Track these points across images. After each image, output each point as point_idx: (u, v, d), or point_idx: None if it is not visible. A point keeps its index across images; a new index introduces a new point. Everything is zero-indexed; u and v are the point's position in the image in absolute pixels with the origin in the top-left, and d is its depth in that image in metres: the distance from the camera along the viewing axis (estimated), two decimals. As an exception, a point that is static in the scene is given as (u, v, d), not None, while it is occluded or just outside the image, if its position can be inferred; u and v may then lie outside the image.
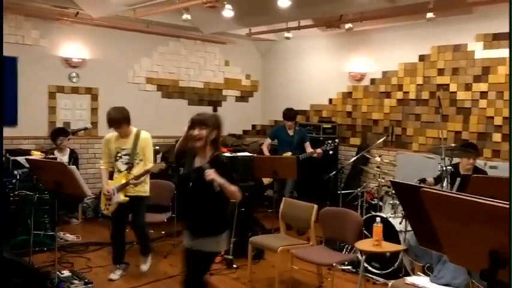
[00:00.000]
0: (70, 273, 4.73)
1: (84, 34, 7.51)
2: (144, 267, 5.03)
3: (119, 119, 4.67)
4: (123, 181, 4.74)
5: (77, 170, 4.30)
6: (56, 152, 6.68)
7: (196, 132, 3.29)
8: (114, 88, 7.83)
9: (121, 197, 4.75)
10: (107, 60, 7.77)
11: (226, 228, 3.49)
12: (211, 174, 3.17)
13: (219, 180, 3.20)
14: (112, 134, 4.87)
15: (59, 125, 7.29)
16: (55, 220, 4.64)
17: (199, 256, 3.37)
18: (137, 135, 4.81)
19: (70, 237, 6.13)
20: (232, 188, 3.28)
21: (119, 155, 4.82)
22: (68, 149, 6.88)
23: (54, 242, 4.60)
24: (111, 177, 4.93)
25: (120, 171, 4.82)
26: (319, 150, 6.72)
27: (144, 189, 4.87)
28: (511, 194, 3.82)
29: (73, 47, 7.42)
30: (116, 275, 4.94)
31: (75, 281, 4.56)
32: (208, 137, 3.32)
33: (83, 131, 6.61)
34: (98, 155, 7.67)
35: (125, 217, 4.93)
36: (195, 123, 3.33)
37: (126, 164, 4.79)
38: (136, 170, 4.75)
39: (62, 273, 4.65)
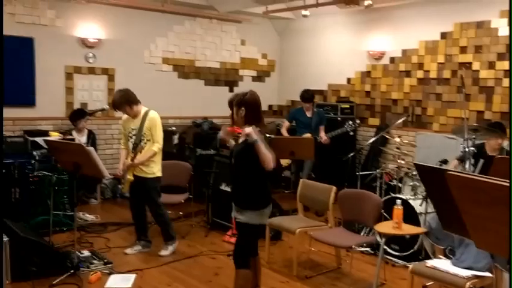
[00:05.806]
0: (90, 253, 4.78)
1: (100, 14, 7.45)
2: (164, 252, 5.00)
3: (119, 103, 4.78)
4: (129, 160, 4.82)
5: (95, 151, 4.32)
6: (74, 132, 6.71)
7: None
8: (131, 68, 7.80)
9: (127, 176, 4.84)
10: (122, 40, 7.72)
11: (266, 203, 3.54)
12: (247, 129, 3.30)
13: (254, 136, 3.28)
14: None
15: (77, 105, 7.31)
16: (74, 200, 4.67)
17: (242, 227, 3.55)
18: (145, 115, 4.83)
19: (89, 217, 6.18)
20: (267, 152, 3.31)
21: (130, 135, 4.89)
22: (86, 130, 6.90)
23: (74, 222, 4.65)
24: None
25: (131, 151, 4.90)
26: (324, 138, 6.77)
27: (151, 170, 4.84)
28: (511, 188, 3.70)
29: (89, 27, 7.38)
30: (131, 250, 5.02)
31: (94, 261, 4.61)
32: (238, 116, 3.48)
33: (100, 112, 6.67)
34: (115, 136, 7.70)
35: (138, 196, 4.99)
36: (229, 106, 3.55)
37: (134, 143, 4.83)
38: (144, 150, 4.77)
39: (81, 253, 4.69)
